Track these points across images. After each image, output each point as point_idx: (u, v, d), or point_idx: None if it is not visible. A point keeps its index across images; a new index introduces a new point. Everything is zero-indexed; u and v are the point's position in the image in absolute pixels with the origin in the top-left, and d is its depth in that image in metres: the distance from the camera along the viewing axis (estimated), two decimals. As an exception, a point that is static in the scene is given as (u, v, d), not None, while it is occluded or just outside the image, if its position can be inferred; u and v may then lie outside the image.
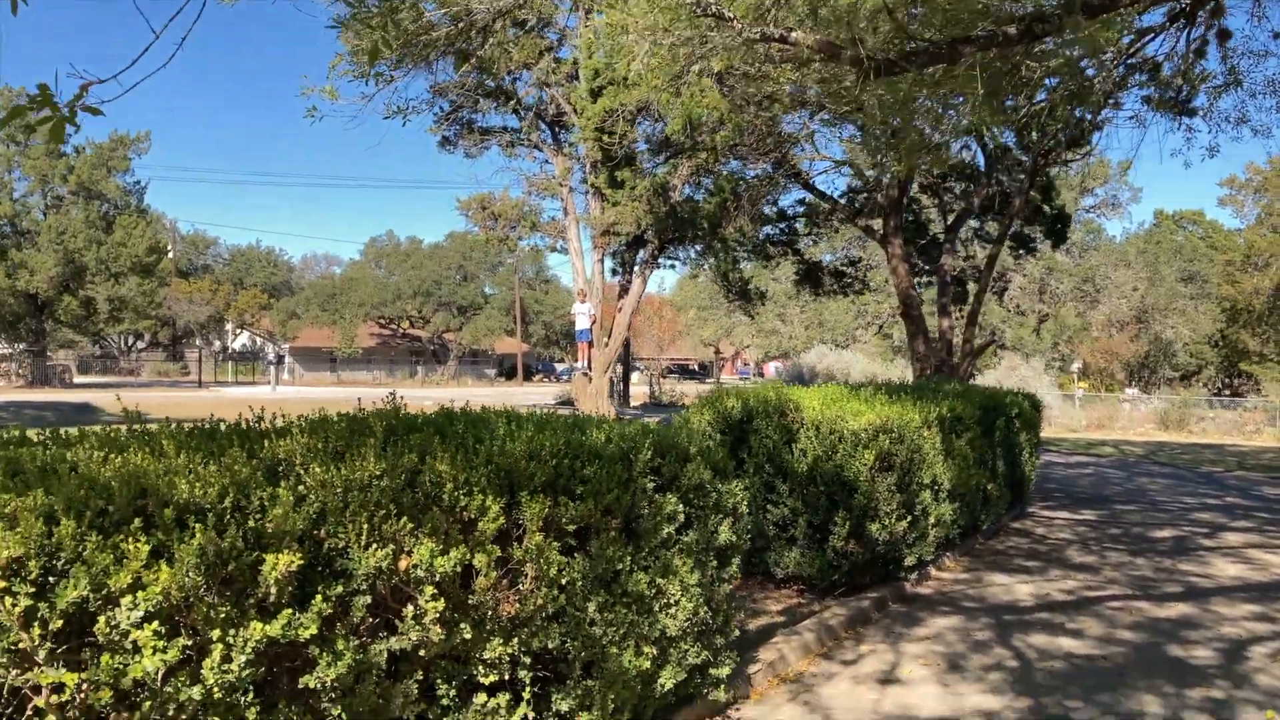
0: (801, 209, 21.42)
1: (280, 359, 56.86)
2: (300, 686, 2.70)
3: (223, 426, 3.54)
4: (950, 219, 19.32)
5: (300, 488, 2.85)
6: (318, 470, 2.93)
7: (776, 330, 56.12)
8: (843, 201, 19.38)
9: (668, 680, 4.21)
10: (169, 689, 2.37)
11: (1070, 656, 5.79)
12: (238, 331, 70.99)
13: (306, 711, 2.72)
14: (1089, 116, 13.90)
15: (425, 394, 36.78)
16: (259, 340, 69.96)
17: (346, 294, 61.98)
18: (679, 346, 76.93)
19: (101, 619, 2.32)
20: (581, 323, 20.95)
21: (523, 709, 3.39)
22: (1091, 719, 4.76)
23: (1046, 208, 19.35)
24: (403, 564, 2.96)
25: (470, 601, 3.21)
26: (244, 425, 3.53)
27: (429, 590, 3.00)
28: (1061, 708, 4.91)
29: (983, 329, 31.27)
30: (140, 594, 2.34)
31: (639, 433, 4.34)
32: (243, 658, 2.48)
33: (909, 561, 7.50)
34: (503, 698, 3.31)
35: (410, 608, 3.00)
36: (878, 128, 10.86)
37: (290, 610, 2.60)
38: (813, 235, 23.05)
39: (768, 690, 5.19)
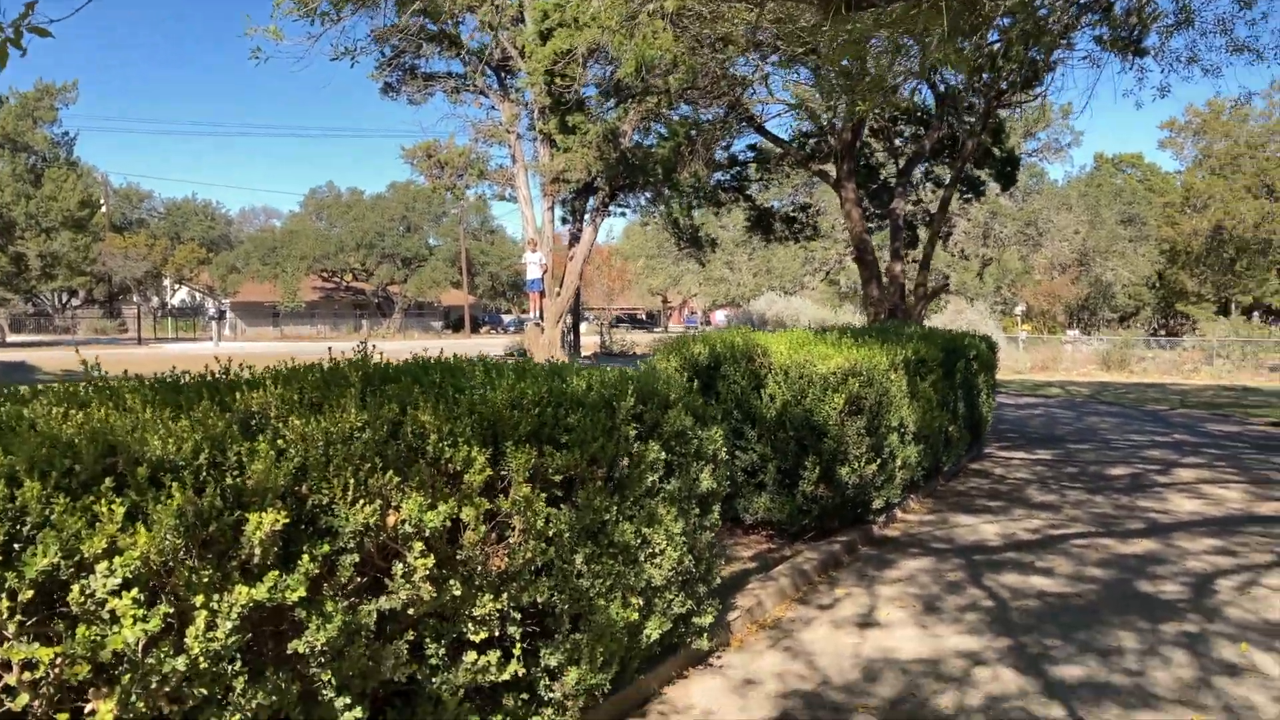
0: (753, 155, 21.23)
1: (221, 314, 55.58)
2: (289, 652, 2.55)
3: (186, 379, 3.34)
4: (902, 163, 19.27)
5: (280, 442, 2.68)
6: (296, 423, 2.75)
7: (725, 278, 56.18)
8: (795, 146, 19.22)
9: (653, 631, 4.13)
10: (151, 660, 2.21)
11: (1043, 595, 5.82)
12: (176, 287, 69.23)
13: (295, 678, 2.57)
14: (1042, 57, 13.86)
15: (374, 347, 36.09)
16: (198, 296, 68.36)
17: (287, 247, 60.64)
18: (627, 296, 76.85)
19: (75, 588, 2.14)
20: (533, 272, 20.70)
21: (513, 665, 3.27)
22: (1071, 656, 4.77)
23: (997, 150, 19.39)
24: (390, 520, 2.81)
25: (459, 557, 3.08)
26: (210, 377, 3.34)
27: (418, 546, 2.86)
28: (1040, 646, 4.93)
29: (932, 273, 31.45)
30: (116, 559, 2.16)
31: (620, 380, 4.21)
32: (228, 624, 2.32)
33: (877, 504, 7.50)
34: (493, 655, 3.20)
35: (399, 565, 2.86)
36: (833, 69, 10.71)
37: (276, 572, 2.45)
38: (763, 181, 22.89)
39: (748, 637, 5.14)
